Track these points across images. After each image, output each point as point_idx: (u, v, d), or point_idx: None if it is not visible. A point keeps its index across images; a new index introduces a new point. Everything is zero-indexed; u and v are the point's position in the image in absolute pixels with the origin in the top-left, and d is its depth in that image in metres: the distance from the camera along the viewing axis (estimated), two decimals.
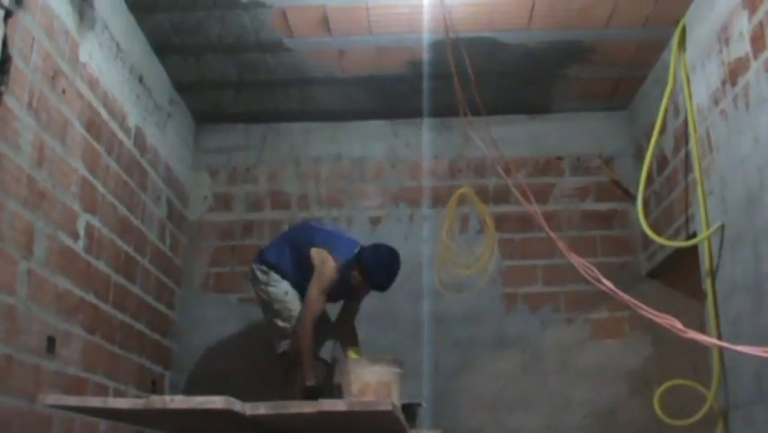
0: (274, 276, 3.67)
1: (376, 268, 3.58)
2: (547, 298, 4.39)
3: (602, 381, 4.23)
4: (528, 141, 4.62)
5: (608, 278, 2.44)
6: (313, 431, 2.60)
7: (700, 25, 3.38)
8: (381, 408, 2.08)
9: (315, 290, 3.54)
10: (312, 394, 3.33)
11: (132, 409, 2.08)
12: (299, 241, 3.74)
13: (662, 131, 3.78)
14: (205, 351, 4.38)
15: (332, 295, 3.67)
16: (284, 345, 3.60)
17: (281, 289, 3.65)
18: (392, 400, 2.41)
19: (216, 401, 1.88)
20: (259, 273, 3.72)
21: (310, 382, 3.44)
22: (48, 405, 2.29)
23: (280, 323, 3.61)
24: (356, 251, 3.65)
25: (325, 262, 3.57)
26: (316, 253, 3.61)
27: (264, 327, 3.82)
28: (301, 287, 3.64)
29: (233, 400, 1.93)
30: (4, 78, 2.43)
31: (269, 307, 3.67)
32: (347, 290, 3.72)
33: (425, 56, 3.96)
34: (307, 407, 2.06)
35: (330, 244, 3.64)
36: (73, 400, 2.34)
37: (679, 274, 4.04)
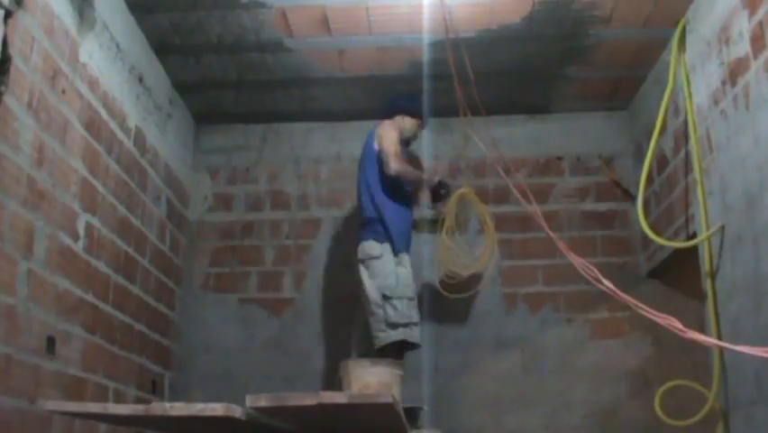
0: (403, 257, 3.67)
1: (411, 100, 4.02)
2: (547, 298, 4.40)
3: (602, 381, 4.23)
4: (528, 141, 4.62)
5: (607, 278, 2.44)
6: (313, 430, 2.60)
7: (700, 25, 3.38)
8: (382, 400, 2.07)
9: (392, 162, 3.65)
10: (439, 186, 3.85)
11: (132, 416, 2.08)
12: (363, 172, 3.83)
13: (662, 131, 3.78)
14: (205, 351, 4.38)
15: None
16: (392, 336, 3.45)
17: (405, 270, 3.63)
18: (392, 394, 2.40)
19: (216, 408, 1.88)
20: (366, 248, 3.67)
21: (436, 178, 3.88)
22: (48, 411, 2.29)
23: (391, 310, 3.48)
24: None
25: (385, 135, 3.73)
26: (378, 143, 3.77)
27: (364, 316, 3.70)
28: (403, 198, 3.78)
29: (233, 406, 1.93)
30: (4, 78, 2.43)
31: (393, 288, 3.54)
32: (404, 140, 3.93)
33: (425, 56, 3.95)
34: (307, 399, 2.05)
35: (381, 131, 3.80)
36: (73, 406, 2.33)
37: (679, 274, 4.04)
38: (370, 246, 3.63)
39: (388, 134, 3.75)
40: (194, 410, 1.90)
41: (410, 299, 3.54)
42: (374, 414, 2.24)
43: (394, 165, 3.65)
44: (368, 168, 3.81)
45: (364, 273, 3.62)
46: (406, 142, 3.96)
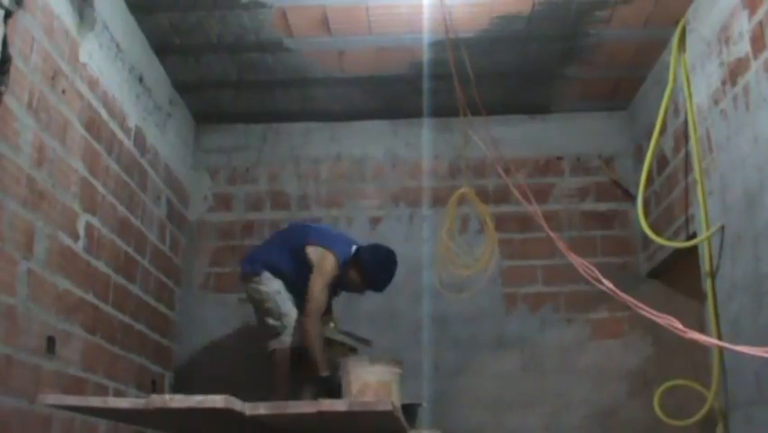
0: (266, 275, 3.64)
1: (375, 268, 3.61)
2: (547, 298, 4.39)
3: (602, 381, 4.23)
4: (528, 141, 4.62)
5: (607, 278, 2.44)
6: (313, 431, 2.61)
7: (700, 25, 3.38)
8: (381, 408, 2.08)
9: (317, 284, 3.52)
10: (325, 384, 3.39)
11: (133, 409, 2.08)
12: (294, 240, 3.72)
13: (662, 131, 3.78)
14: (205, 351, 4.38)
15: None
16: (273, 344, 3.58)
17: (273, 288, 3.62)
18: (392, 400, 2.40)
19: (216, 400, 1.88)
20: (249, 273, 3.69)
21: (324, 373, 3.45)
22: (48, 405, 2.29)
23: (271, 321, 3.59)
24: (353, 250, 3.66)
25: (325, 258, 3.57)
26: (313, 251, 3.60)
27: (256, 327, 3.79)
28: (296, 286, 3.63)
29: (233, 399, 1.93)
30: (4, 78, 2.43)
31: (260, 305, 3.65)
32: (342, 287, 3.74)
33: (425, 56, 3.95)
34: (307, 407, 2.06)
35: (327, 242, 3.64)
36: (73, 400, 2.34)
37: (679, 274, 4.04)
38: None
39: (328, 267, 3.53)
40: (193, 402, 1.90)
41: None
42: (373, 420, 2.24)
43: (308, 321, 3.46)
44: (295, 246, 3.65)
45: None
46: (341, 286, 3.70)
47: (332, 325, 3.71)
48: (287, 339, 3.57)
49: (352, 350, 3.76)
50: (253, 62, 4.07)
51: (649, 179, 3.95)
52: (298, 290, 3.62)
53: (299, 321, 3.56)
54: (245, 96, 4.44)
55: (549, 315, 4.37)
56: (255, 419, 2.09)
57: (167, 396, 1.98)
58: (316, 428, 2.47)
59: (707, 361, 3.51)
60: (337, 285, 3.69)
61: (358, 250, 3.66)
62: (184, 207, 4.51)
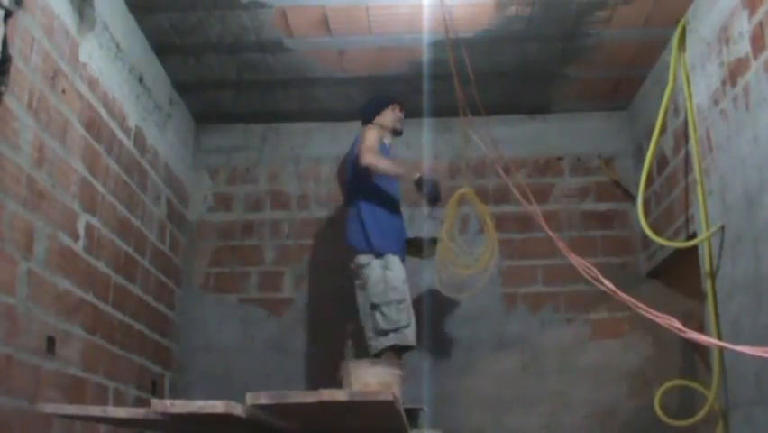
0: (390, 257, 3.54)
1: (374, 98, 3.90)
2: (547, 298, 4.40)
3: (602, 381, 4.23)
4: (528, 141, 4.62)
5: (607, 278, 2.44)
6: (314, 432, 2.60)
7: (700, 25, 3.38)
8: (382, 398, 2.07)
9: (363, 154, 3.51)
10: (420, 183, 3.58)
11: (132, 418, 2.08)
12: (349, 188, 3.75)
13: (662, 131, 3.78)
14: (205, 351, 4.38)
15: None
16: (395, 339, 3.41)
17: (401, 274, 3.52)
18: (393, 392, 2.40)
19: (217, 406, 1.88)
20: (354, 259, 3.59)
21: (416, 174, 3.60)
22: (47, 413, 2.29)
23: (395, 315, 3.42)
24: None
25: (363, 134, 3.63)
26: (358, 144, 3.63)
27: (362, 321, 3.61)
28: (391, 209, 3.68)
29: (233, 404, 1.93)
30: (4, 78, 2.43)
31: (384, 295, 3.47)
32: (396, 134, 3.89)
33: (425, 56, 3.95)
34: (308, 397, 2.05)
35: (360, 133, 3.70)
36: (72, 409, 2.33)
37: (679, 274, 4.04)
38: (358, 256, 3.59)
39: (367, 134, 3.63)
40: (194, 408, 1.90)
41: (399, 302, 3.47)
42: (374, 413, 2.24)
43: (365, 157, 3.50)
44: (348, 177, 3.77)
45: (355, 283, 3.63)
46: (395, 132, 3.88)
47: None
48: (411, 337, 3.47)
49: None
50: (253, 62, 4.07)
51: (649, 179, 3.95)
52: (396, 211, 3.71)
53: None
54: (245, 96, 4.44)
55: (549, 315, 4.37)
56: (255, 422, 2.09)
57: (167, 402, 1.97)
58: (318, 424, 2.47)
59: (707, 361, 3.51)
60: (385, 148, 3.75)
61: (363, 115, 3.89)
62: (184, 207, 4.51)
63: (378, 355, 3.46)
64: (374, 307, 3.47)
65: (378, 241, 3.55)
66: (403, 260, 3.64)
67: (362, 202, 3.64)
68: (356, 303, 3.63)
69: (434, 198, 3.67)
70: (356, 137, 3.80)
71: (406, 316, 3.47)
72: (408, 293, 3.56)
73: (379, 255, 3.53)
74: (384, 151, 3.71)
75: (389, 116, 3.85)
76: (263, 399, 2.02)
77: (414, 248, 3.83)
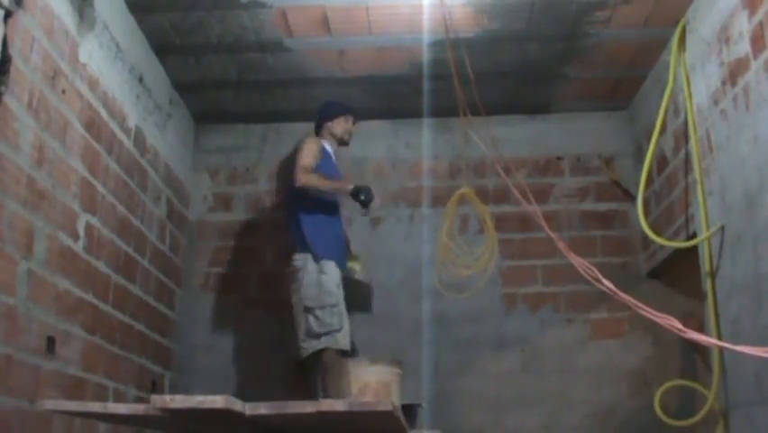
0: (326, 262, 3.55)
1: (330, 104, 3.92)
2: (547, 298, 4.40)
3: (602, 381, 4.23)
4: (528, 141, 4.62)
5: (607, 278, 2.44)
6: (313, 432, 2.60)
7: (700, 25, 3.38)
8: (381, 408, 2.08)
9: (297, 175, 3.54)
10: (358, 191, 3.57)
11: (132, 415, 2.08)
12: (288, 195, 3.75)
13: (662, 131, 3.78)
14: (205, 351, 4.38)
15: (329, 175, 3.69)
16: (326, 342, 3.41)
17: (336, 279, 3.55)
18: (392, 400, 2.40)
19: (217, 401, 1.88)
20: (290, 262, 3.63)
21: (350, 186, 3.61)
22: (47, 410, 2.29)
23: (328, 318, 3.44)
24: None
25: (300, 149, 3.64)
26: (297, 158, 3.63)
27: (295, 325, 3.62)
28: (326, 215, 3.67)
29: (233, 399, 1.93)
30: (4, 78, 2.43)
31: (317, 299, 3.49)
32: (340, 143, 3.89)
33: (425, 56, 3.95)
34: (307, 407, 2.05)
35: (298, 145, 3.71)
36: (72, 406, 2.33)
37: (679, 274, 4.04)
38: (293, 259, 3.62)
39: (304, 148, 3.65)
40: (194, 403, 1.90)
41: (332, 306, 3.47)
42: (374, 420, 2.24)
43: (300, 178, 3.54)
44: (289, 182, 3.72)
45: (291, 286, 3.63)
46: (341, 142, 3.88)
47: (356, 266, 3.80)
48: (343, 340, 3.47)
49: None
50: (253, 62, 4.07)
51: (649, 179, 3.95)
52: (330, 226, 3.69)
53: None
54: (245, 96, 4.44)
55: (549, 315, 4.37)
56: (255, 420, 2.09)
57: (167, 397, 1.97)
58: (317, 427, 2.47)
59: (707, 361, 3.52)
60: (330, 166, 3.75)
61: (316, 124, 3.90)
62: (184, 207, 4.51)
63: (309, 359, 3.46)
64: (307, 309, 3.48)
65: (317, 247, 3.57)
66: (341, 267, 3.64)
67: (300, 208, 3.64)
68: (293, 306, 3.62)
69: (369, 203, 3.65)
70: (295, 146, 3.78)
71: (339, 320, 3.47)
72: (342, 298, 3.55)
73: (315, 260, 3.54)
74: (327, 158, 3.73)
75: (341, 126, 3.87)
76: (263, 409, 2.03)
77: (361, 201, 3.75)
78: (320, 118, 3.90)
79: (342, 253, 3.73)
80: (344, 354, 3.47)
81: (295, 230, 3.65)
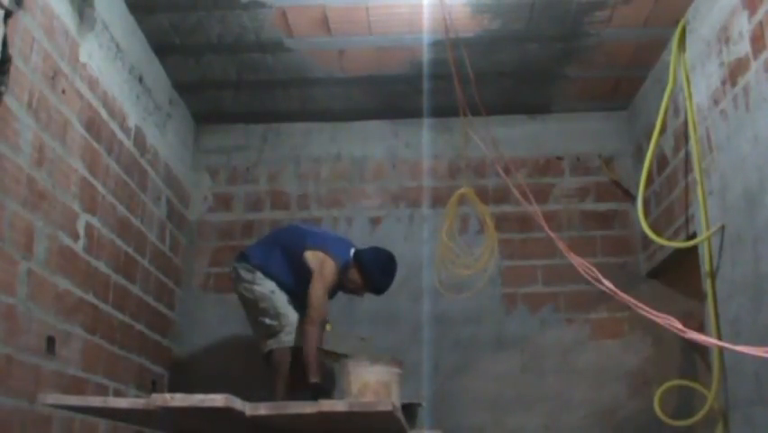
0: (259, 275, 3.61)
1: (377, 272, 3.63)
2: (547, 298, 4.39)
3: (602, 381, 4.23)
4: (528, 141, 4.62)
5: (607, 278, 2.44)
6: (313, 431, 2.60)
7: (700, 25, 3.38)
8: (381, 408, 2.08)
9: (319, 290, 3.50)
10: (317, 391, 3.35)
11: (133, 409, 2.08)
12: (290, 243, 3.68)
13: (662, 131, 3.78)
14: (205, 351, 4.38)
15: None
16: (271, 344, 3.54)
17: (267, 287, 3.60)
18: (392, 401, 2.40)
19: (217, 400, 1.88)
20: (243, 272, 3.65)
21: (315, 379, 3.44)
22: (48, 405, 2.29)
23: (267, 321, 3.56)
24: (352, 253, 3.66)
25: (325, 263, 3.56)
26: (312, 256, 3.57)
27: (251, 327, 3.73)
28: (290, 289, 3.61)
29: (233, 398, 1.93)
30: (4, 78, 2.43)
31: (254, 305, 3.61)
32: (341, 289, 3.74)
33: (425, 56, 3.95)
34: (307, 407, 2.06)
35: (325, 246, 3.62)
36: (73, 400, 2.34)
37: (679, 274, 4.04)
38: (255, 272, 3.63)
39: (328, 272, 3.53)
40: (194, 401, 1.91)
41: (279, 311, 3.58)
42: (374, 420, 2.24)
43: (314, 321, 3.45)
44: (292, 250, 3.63)
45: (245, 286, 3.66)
46: (343, 287, 3.71)
47: (327, 327, 3.70)
48: (286, 339, 3.55)
49: (345, 357, 3.74)
50: (253, 62, 4.07)
51: (649, 179, 3.95)
52: (295, 293, 3.61)
53: (300, 325, 3.54)
54: (245, 96, 4.44)
55: (549, 315, 4.37)
56: (255, 420, 2.09)
57: (167, 395, 1.98)
58: (316, 428, 2.47)
59: (707, 361, 3.51)
60: (336, 288, 3.69)
61: (357, 253, 3.66)
62: (184, 207, 4.51)
63: (267, 356, 3.54)
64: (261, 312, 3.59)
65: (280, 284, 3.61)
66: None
67: (298, 276, 3.58)
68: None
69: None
70: (306, 230, 3.78)
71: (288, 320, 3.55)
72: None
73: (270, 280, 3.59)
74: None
75: (358, 287, 3.68)
76: (263, 409, 2.03)
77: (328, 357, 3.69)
78: (366, 262, 3.62)
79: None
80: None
81: (281, 269, 3.62)
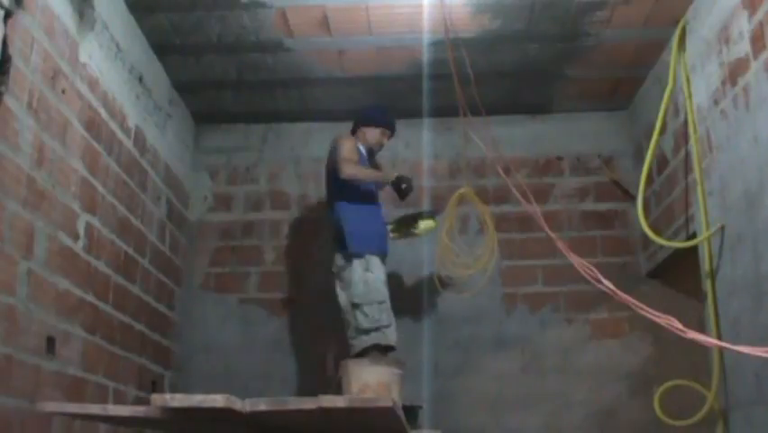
0: (369, 259, 3.58)
1: (372, 110, 3.97)
2: (547, 298, 4.40)
3: (602, 381, 4.23)
4: (528, 141, 4.62)
5: (608, 278, 2.44)
6: (313, 431, 2.60)
7: (700, 25, 3.38)
8: (382, 404, 2.08)
9: (343, 166, 3.59)
10: (400, 180, 3.66)
11: (133, 417, 2.08)
12: (329, 192, 3.79)
13: (663, 131, 3.78)
14: (205, 351, 4.38)
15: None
16: (377, 338, 3.46)
17: (382, 276, 3.57)
18: (392, 397, 2.40)
19: (217, 400, 1.88)
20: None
21: (393, 175, 3.71)
22: (48, 412, 2.28)
23: (376, 314, 3.47)
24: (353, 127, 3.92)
25: (340, 144, 3.68)
26: (333, 152, 3.71)
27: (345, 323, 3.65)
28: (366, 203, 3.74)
29: (233, 398, 1.93)
30: (4, 78, 2.43)
31: (366, 296, 3.52)
32: (371, 156, 3.95)
33: (425, 56, 3.96)
34: (307, 403, 2.05)
35: (337, 141, 3.76)
36: (73, 408, 2.33)
37: (679, 274, 4.04)
38: (338, 258, 3.67)
39: (343, 143, 3.71)
40: (194, 401, 1.90)
41: (380, 302, 3.52)
42: (374, 417, 2.24)
43: (345, 169, 3.59)
44: (327, 183, 3.81)
45: (337, 284, 3.68)
46: (370, 152, 3.92)
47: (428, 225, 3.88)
48: (392, 336, 3.52)
49: (422, 216, 3.94)
50: (253, 62, 4.07)
51: (649, 179, 3.95)
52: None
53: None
54: (245, 96, 4.44)
55: (549, 315, 4.37)
56: (256, 420, 2.09)
57: (167, 395, 1.98)
58: (318, 426, 2.47)
59: (707, 361, 3.51)
60: (368, 155, 3.88)
61: (355, 122, 3.93)
62: (184, 207, 4.51)
63: (359, 354, 3.49)
64: (355, 306, 3.52)
65: (358, 243, 3.60)
66: (384, 260, 3.66)
67: (341, 203, 3.69)
68: (339, 304, 3.67)
69: (409, 193, 3.76)
70: (333, 144, 3.82)
71: (387, 316, 3.53)
72: (388, 295, 3.59)
73: (359, 256, 3.57)
74: (361, 158, 3.78)
75: (376, 137, 3.90)
76: (263, 405, 2.03)
77: (402, 228, 3.90)
78: (359, 120, 3.91)
79: (385, 244, 3.73)
80: (391, 349, 3.54)
81: (336, 228, 3.68)
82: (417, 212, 4.01)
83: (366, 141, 3.87)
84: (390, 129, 3.95)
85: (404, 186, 3.69)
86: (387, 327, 3.50)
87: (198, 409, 1.93)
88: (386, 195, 3.98)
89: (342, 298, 3.63)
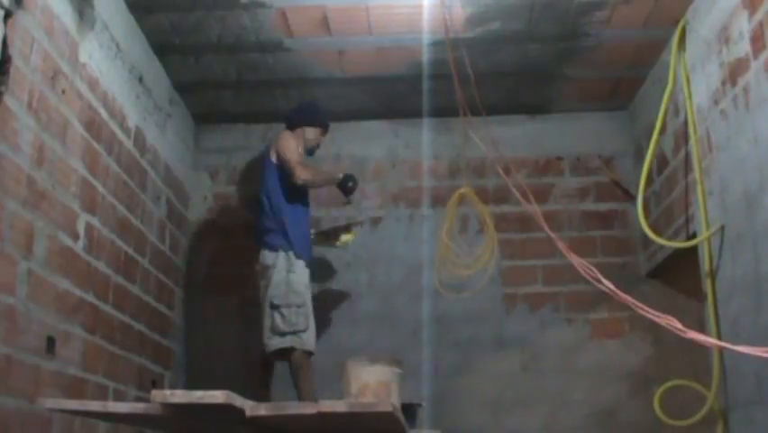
0: (297, 261, 3.61)
1: (306, 106, 4.01)
2: (547, 298, 4.40)
3: (602, 381, 4.23)
4: (528, 141, 4.62)
5: (608, 278, 2.44)
6: (313, 431, 2.60)
7: (700, 25, 3.38)
8: (381, 408, 2.08)
9: (297, 171, 3.63)
10: (346, 179, 3.75)
11: (132, 414, 2.08)
12: (263, 184, 3.79)
13: (663, 131, 3.78)
14: (205, 351, 4.38)
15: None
16: (291, 342, 3.50)
17: (305, 279, 3.60)
18: (392, 401, 2.40)
19: (217, 396, 1.88)
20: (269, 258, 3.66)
21: (339, 175, 3.79)
22: (48, 409, 2.28)
23: (294, 318, 3.51)
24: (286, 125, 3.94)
25: (286, 145, 3.70)
26: (273, 153, 3.75)
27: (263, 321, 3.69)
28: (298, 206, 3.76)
29: (233, 394, 1.93)
30: (4, 78, 2.43)
31: (285, 298, 3.55)
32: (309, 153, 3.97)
33: (425, 56, 3.96)
34: (307, 408, 2.05)
35: (281, 140, 3.78)
36: (73, 404, 2.33)
37: (679, 274, 4.04)
38: (264, 256, 3.67)
39: (288, 144, 3.73)
40: (194, 398, 1.90)
41: (299, 306, 3.53)
42: (374, 420, 2.24)
43: (300, 174, 3.63)
44: (267, 179, 3.79)
45: (261, 283, 3.68)
46: (309, 151, 3.95)
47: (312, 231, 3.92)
48: (309, 341, 3.56)
49: (347, 229, 4.01)
50: (253, 62, 4.07)
51: (649, 179, 3.95)
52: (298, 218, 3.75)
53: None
54: (245, 96, 4.44)
55: (549, 315, 4.37)
56: (255, 420, 2.09)
57: (167, 392, 1.98)
58: (316, 428, 2.47)
59: (707, 361, 3.51)
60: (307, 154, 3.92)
61: (288, 118, 3.95)
62: (184, 207, 4.51)
63: (272, 355, 3.56)
64: (274, 307, 3.54)
65: (296, 245, 3.64)
66: (308, 264, 3.69)
67: (286, 205, 3.71)
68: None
69: (353, 191, 3.84)
70: (275, 141, 3.84)
71: (305, 320, 3.55)
72: (309, 299, 3.62)
73: (292, 257, 3.60)
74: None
75: (314, 136, 3.94)
76: (263, 410, 2.03)
77: (323, 239, 4.04)
78: (302, 119, 3.92)
79: (310, 250, 3.79)
80: (310, 354, 3.57)
81: (271, 228, 3.68)
82: (344, 225, 4.10)
83: (306, 140, 3.90)
84: (326, 128, 4.01)
85: (350, 184, 3.77)
86: (303, 331, 3.52)
87: (198, 406, 1.93)
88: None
89: (264, 296, 3.64)
